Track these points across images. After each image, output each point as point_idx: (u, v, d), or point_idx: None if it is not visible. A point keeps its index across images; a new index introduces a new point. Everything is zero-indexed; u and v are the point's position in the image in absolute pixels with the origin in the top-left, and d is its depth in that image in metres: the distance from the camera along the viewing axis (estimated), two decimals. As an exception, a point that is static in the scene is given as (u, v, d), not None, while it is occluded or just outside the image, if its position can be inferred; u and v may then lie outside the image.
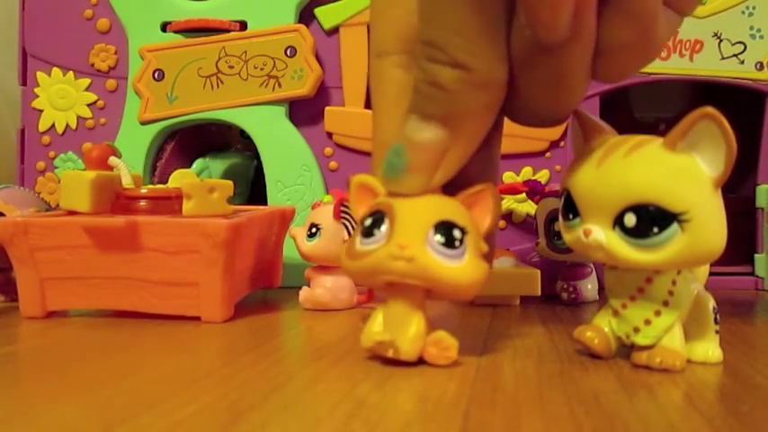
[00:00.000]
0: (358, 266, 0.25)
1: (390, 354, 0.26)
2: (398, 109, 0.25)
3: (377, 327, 0.26)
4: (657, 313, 0.26)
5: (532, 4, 0.21)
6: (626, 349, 0.27)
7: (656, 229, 0.24)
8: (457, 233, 0.24)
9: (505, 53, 0.23)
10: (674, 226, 0.24)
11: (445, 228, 0.24)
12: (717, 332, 0.27)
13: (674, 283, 0.26)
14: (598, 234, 0.25)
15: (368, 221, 0.25)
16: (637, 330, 0.26)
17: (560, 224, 0.27)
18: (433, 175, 0.25)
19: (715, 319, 0.27)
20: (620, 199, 0.24)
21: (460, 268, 0.24)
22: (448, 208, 0.25)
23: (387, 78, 0.26)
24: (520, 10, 0.22)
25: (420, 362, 0.26)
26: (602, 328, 0.27)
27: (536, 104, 0.24)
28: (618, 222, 0.25)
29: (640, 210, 0.24)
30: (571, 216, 0.26)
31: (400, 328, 0.25)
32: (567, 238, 0.27)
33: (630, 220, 0.24)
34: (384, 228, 0.25)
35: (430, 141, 0.24)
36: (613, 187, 0.24)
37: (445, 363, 0.26)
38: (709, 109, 0.23)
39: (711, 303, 0.27)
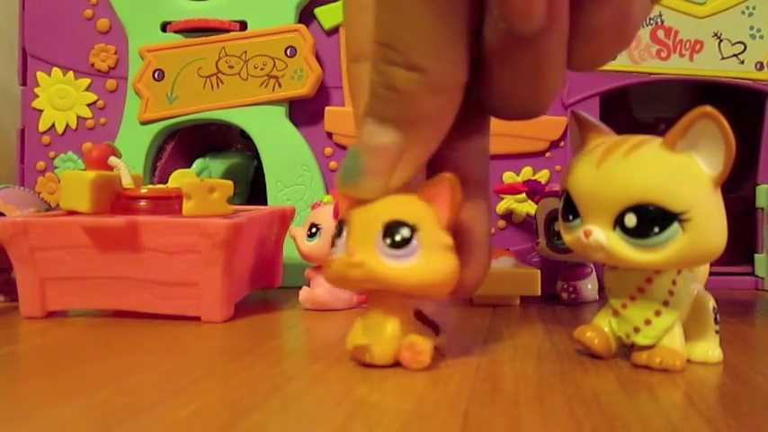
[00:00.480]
0: (329, 276, 0.26)
1: (367, 358, 0.26)
2: None
3: (357, 332, 0.26)
4: (657, 313, 0.26)
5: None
6: (626, 349, 0.27)
7: (656, 229, 0.24)
8: (405, 232, 0.24)
9: (464, 57, 0.23)
10: (675, 225, 0.24)
11: (392, 228, 0.24)
12: (717, 332, 0.27)
13: (674, 282, 0.26)
14: (599, 235, 0.25)
15: (334, 231, 0.26)
16: (637, 330, 0.26)
17: (560, 225, 0.27)
18: (389, 178, 0.24)
19: (715, 319, 0.27)
20: (620, 199, 0.24)
21: (410, 268, 0.24)
22: (398, 207, 0.25)
23: (366, 83, 0.25)
24: (493, 3, 0.21)
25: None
26: (602, 328, 0.27)
27: (515, 99, 0.24)
28: (618, 223, 0.25)
29: (641, 210, 0.24)
30: (571, 217, 0.26)
31: (376, 332, 0.26)
32: (567, 238, 0.27)
33: (631, 220, 0.24)
34: (343, 236, 0.25)
35: (386, 145, 0.24)
36: (613, 187, 0.24)
37: (418, 367, 0.25)
38: (708, 108, 0.23)
39: (711, 303, 0.27)
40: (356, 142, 0.25)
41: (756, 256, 0.48)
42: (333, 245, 0.26)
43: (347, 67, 0.27)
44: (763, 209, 0.47)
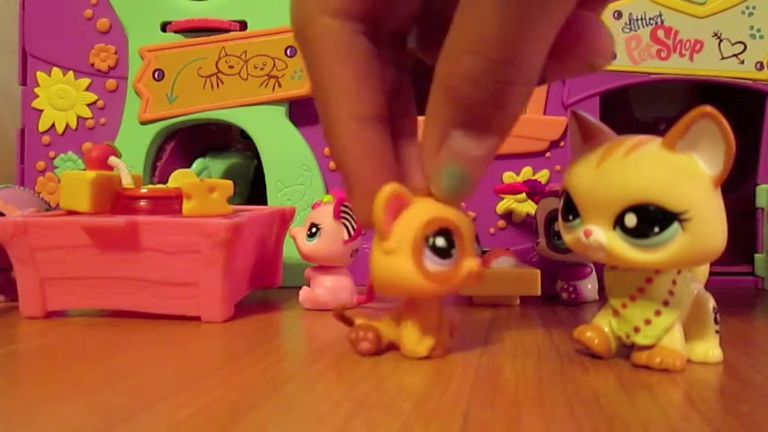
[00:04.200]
0: (433, 288, 0.26)
1: (441, 352, 0.27)
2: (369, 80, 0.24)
3: (416, 336, 0.27)
4: (658, 313, 0.26)
5: (593, 48, 0.23)
6: (626, 349, 0.27)
7: (656, 229, 0.24)
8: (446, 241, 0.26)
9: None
10: (675, 225, 0.24)
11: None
12: (717, 332, 0.27)
13: (674, 282, 0.26)
14: (599, 235, 0.25)
15: (440, 242, 0.25)
16: (637, 330, 0.26)
17: (560, 225, 0.27)
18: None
19: (715, 319, 0.27)
20: (620, 199, 0.24)
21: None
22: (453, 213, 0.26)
23: (346, 46, 0.25)
24: (577, 49, 0.23)
25: (418, 361, 0.26)
26: (602, 328, 0.27)
27: None
28: (618, 223, 0.25)
29: (641, 210, 0.24)
30: (571, 217, 0.26)
31: (441, 329, 0.28)
32: (568, 238, 0.27)
33: (631, 220, 0.24)
34: (456, 247, 0.26)
35: (488, 155, 0.24)
36: (613, 187, 0.24)
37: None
38: (708, 108, 0.23)
39: (711, 303, 0.27)
40: (448, 155, 0.24)
41: (756, 256, 0.48)
42: (442, 255, 0.25)
43: (317, 23, 0.26)
44: (763, 209, 0.47)
